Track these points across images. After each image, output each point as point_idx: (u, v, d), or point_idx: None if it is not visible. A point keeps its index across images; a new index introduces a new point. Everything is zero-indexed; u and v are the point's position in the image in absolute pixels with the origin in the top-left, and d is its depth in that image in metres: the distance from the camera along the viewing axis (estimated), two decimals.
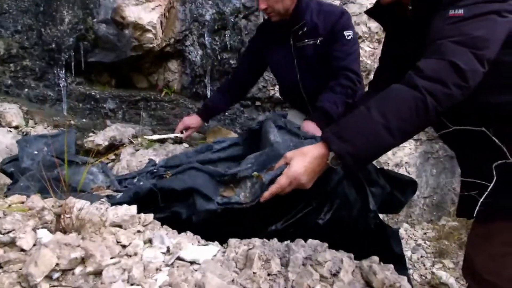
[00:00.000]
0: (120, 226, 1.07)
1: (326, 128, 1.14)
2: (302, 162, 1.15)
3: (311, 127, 1.93)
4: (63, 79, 2.72)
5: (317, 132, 1.90)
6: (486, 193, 1.16)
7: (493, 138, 1.14)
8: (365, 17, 3.05)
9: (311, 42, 2.11)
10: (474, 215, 1.18)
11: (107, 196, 1.36)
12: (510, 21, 1.15)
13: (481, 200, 1.17)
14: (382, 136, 1.07)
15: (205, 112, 2.43)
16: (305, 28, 2.10)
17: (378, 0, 1.43)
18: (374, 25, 3.08)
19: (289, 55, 2.17)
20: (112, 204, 1.15)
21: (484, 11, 1.14)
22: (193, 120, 2.39)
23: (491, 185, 1.15)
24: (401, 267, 1.32)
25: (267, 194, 1.17)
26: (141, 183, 1.44)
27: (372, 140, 1.08)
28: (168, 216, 1.27)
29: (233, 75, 2.45)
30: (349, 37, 2.09)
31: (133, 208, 1.09)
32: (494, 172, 1.15)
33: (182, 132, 2.38)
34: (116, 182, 1.62)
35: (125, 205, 1.10)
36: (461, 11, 1.14)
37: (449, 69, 1.08)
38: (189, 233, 1.13)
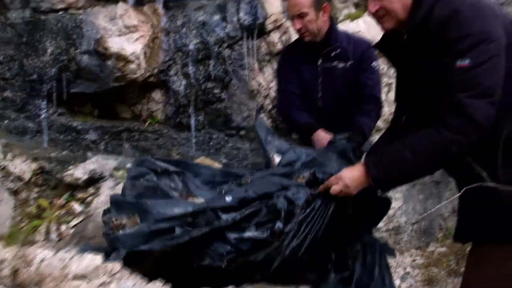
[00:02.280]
0: (84, 277, 1.03)
1: (369, 156, 1.44)
2: (349, 171, 1.42)
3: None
4: (44, 110, 2.68)
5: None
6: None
7: (473, 165, 1.33)
8: None
9: (341, 65, 2.27)
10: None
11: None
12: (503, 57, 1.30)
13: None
14: (409, 170, 1.34)
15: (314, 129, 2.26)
16: (337, 51, 2.26)
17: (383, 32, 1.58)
18: None
19: (314, 74, 2.30)
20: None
21: (487, 57, 1.28)
22: (322, 137, 2.18)
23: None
24: None
25: (321, 187, 1.42)
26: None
27: (401, 172, 1.34)
28: None
29: (289, 101, 2.37)
30: (377, 68, 2.34)
31: (98, 259, 1.04)
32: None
33: None
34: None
35: (90, 255, 1.06)
36: (466, 62, 1.27)
37: (471, 125, 1.26)
38: (158, 283, 1.09)
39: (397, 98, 1.69)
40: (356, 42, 2.29)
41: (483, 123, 1.26)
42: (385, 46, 1.63)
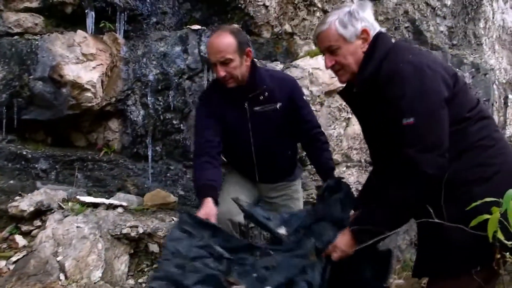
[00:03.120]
0: None
1: (354, 226, 1.57)
2: (342, 239, 1.61)
3: None
4: None
5: None
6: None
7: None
8: (307, 81, 3.14)
9: (271, 107, 2.20)
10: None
11: None
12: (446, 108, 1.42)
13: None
14: (387, 227, 1.49)
15: (213, 193, 2.07)
16: (265, 94, 2.18)
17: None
18: (316, 89, 3.17)
19: (243, 118, 2.20)
20: None
21: (429, 113, 1.41)
22: (208, 209, 1.99)
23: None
24: None
25: (323, 254, 1.66)
26: None
27: (380, 230, 1.50)
28: None
29: (202, 147, 2.18)
30: (306, 100, 2.43)
31: None
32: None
33: None
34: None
35: None
36: (411, 120, 1.41)
37: (423, 178, 1.39)
38: None
39: (366, 142, 1.83)
40: (281, 81, 2.24)
41: (435, 174, 1.38)
42: (345, 94, 1.75)
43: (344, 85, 1.74)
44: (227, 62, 2.05)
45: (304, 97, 2.35)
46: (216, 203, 2.03)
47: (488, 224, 1.00)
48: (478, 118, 1.48)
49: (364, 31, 1.59)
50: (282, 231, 1.83)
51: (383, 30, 1.67)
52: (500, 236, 1.02)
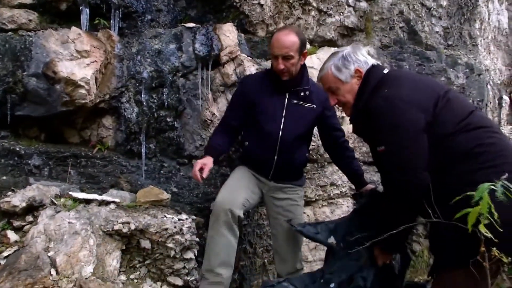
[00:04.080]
0: None
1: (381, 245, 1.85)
2: (378, 251, 1.94)
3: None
4: None
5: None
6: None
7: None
8: None
9: (308, 106, 2.47)
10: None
11: None
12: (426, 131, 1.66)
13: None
14: (400, 234, 1.71)
15: (214, 153, 2.48)
16: (306, 92, 2.47)
17: None
18: None
19: (280, 107, 2.44)
20: None
21: (398, 142, 1.66)
22: (206, 160, 2.40)
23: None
24: None
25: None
26: None
27: (399, 239, 1.83)
28: None
29: (225, 121, 2.59)
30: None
31: None
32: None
33: (201, 171, 2.34)
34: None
35: None
36: (382, 147, 1.70)
37: (405, 195, 1.67)
38: None
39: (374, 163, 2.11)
40: (319, 89, 2.43)
41: (415, 190, 1.64)
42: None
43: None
44: (289, 58, 2.32)
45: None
46: (215, 162, 2.46)
47: (468, 216, 1.01)
48: (467, 130, 1.63)
49: (357, 71, 1.86)
50: (331, 240, 2.16)
51: (375, 63, 1.92)
52: (482, 228, 1.03)
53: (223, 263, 2.33)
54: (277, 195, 2.56)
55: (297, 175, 2.62)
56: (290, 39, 2.32)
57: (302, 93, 2.46)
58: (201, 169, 2.33)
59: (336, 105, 2.00)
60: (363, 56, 1.90)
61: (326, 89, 1.97)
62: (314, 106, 2.48)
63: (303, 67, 2.48)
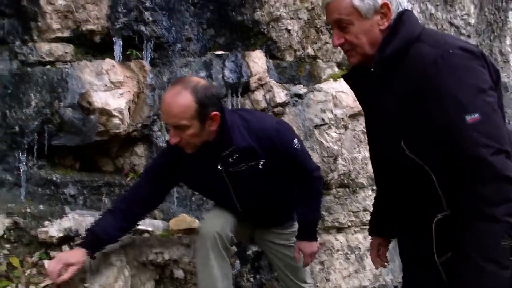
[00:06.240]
0: None
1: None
2: None
3: (306, 247, 2.14)
4: (24, 163, 2.64)
5: (311, 248, 2.15)
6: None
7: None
8: (330, 104, 3.13)
9: (251, 164, 1.94)
10: None
11: None
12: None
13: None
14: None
15: (91, 243, 1.92)
16: (237, 154, 1.90)
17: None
18: (340, 112, 3.16)
19: (220, 179, 1.97)
20: None
21: (492, 109, 1.21)
22: (73, 256, 1.84)
23: None
24: None
25: None
26: None
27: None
28: None
29: (132, 195, 2.06)
30: (297, 145, 2.00)
31: None
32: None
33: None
34: None
35: None
36: (476, 115, 1.17)
37: (508, 185, 1.13)
38: None
39: (368, 138, 1.56)
40: (260, 134, 1.92)
41: None
42: (353, 78, 1.51)
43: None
44: (182, 128, 1.75)
45: (294, 144, 1.98)
46: (91, 252, 1.90)
47: None
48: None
49: (386, 5, 1.32)
50: None
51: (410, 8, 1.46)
52: None
53: None
54: (269, 237, 2.32)
55: (286, 217, 2.31)
56: (179, 102, 1.71)
57: (231, 158, 1.91)
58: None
59: (340, 46, 1.38)
60: None
61: (332, 21, 1.36)
62: (261, 160, 1.94)
63: (223, 125, 1.86)
